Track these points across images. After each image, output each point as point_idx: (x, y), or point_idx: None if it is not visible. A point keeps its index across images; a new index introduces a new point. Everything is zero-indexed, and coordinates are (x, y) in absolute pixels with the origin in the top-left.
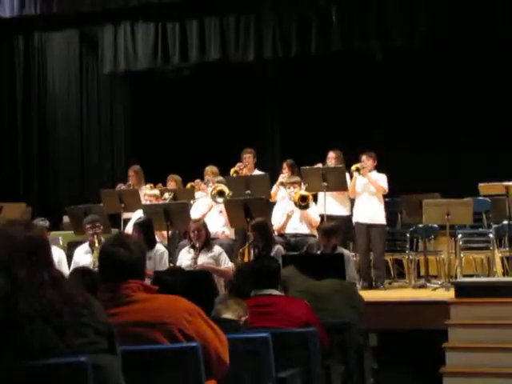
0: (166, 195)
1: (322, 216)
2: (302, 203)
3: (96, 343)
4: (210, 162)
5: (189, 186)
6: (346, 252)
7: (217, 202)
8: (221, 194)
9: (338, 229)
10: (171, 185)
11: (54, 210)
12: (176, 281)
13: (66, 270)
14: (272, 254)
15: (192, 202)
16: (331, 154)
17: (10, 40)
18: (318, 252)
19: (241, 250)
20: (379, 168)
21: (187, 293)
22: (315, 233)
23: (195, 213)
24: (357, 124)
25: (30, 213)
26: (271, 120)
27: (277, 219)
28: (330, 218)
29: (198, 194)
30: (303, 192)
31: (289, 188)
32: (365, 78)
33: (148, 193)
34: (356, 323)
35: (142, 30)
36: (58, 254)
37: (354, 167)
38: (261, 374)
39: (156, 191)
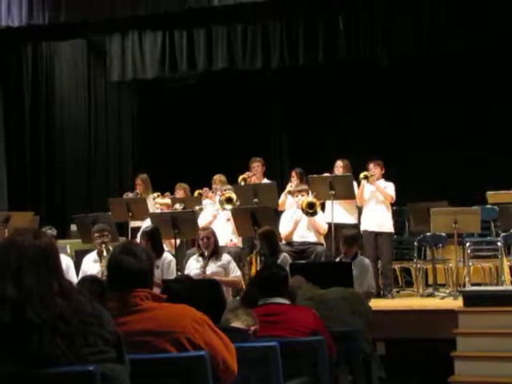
0: (177, 206)
1: (329, 224)
2: (310, 210)
3: (104, 352)
4: (217, 170)
5: (196, 193)
6: (366, 260)
7: (225, 209)
8: (229, 200)
9: (359, 237)
10: (179, 193)
11: (62, 219)
12: (180, 289)
13: (73, 279)
14: (278, 262)
15: (198, 208)
16: (339, 163)
17: (18, 49)
18: (337, 260)
19: (248, 259)
20: (386, 176)
21: (194, 301)
22: (323, 241)
23: (202, 221)
24: (365, 131)
25: (38, 221)
26: (279, 128)
27: (284, 227)
28: (338, 226)
29: (204, 202)
30: (310, 199)
31: (296, 196)
32: (371, 85)
33: (159, 201)
34: (363, 331)
35: (149, 39)
36: (65, 262)
37: (362, 175)
38: (269, 382)
39: (167, 200)
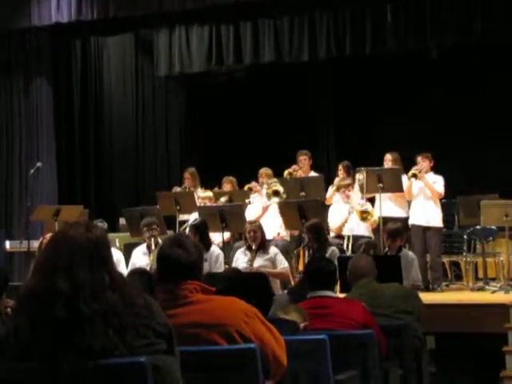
0: (222, 199)
1: (379, 218)
2: (364, 216)
3: (156, 344)
4: (264, 163)
5: (246, 188)
6: (410, 254)
7: (272, 202)
8: (276, 193)
9: (404, 230)
10: (227, 187)
11: (110, 212)
12: (228, 282)
13: (124, 272)
14: (327, 255)
15: (247, 201)
16: (388, 157)
17: (67, 44)
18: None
19: (295, 252)
20: (436, 168)
21: (243, 294)
22: (371, 234)
23: (251, 214)
24: (414, 123)
25: (87, 215)
26: (326, 121)
27: (333, 220)
28: (387, 219)
29: (252, 196)
30: (364, 207)
31: (343, 192)
32: (420, 77)
33: (201, 195)
34: (413, 326)
35: (196, 33)
36: (116, 256)
37: (410, 173)
38: (318, 376)
39: (209, 193)
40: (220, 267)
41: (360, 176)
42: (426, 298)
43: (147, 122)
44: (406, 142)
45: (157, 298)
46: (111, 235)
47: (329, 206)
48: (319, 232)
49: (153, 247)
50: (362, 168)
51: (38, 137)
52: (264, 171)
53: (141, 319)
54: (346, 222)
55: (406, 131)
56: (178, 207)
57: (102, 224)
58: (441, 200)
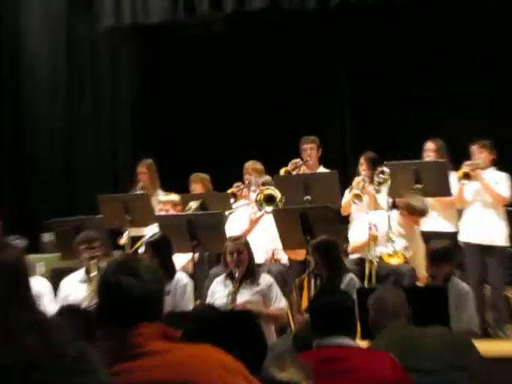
0: (192, 204)
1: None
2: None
3: None
4: (251, 154)
5: (229, 192)
6: (463, 285)
7: (266, 212)
8: (270, 200)
9: (453, 251)
10: (196, 188)
11: (32, 225)
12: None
13: (50, 308)
14: (342, 286)
15: (227, 213)
16: (429, 145)
17: None
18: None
19: (297, 281)
20: (498, 162)
21: (221, 342)
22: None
23: (233, 228)
24: (463, 99)
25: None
26: (339, 94)
27: (353, 236)
28: (430, 235)
29: (236, 204)
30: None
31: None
32: (471, 31)
33: (163, 199)
34: None
35: None
36: (39, 286)
37: (461, 172)
38: None
39: (174, 196)
40: (188, 303)
41: (380, 179)
42: (484, 347)
43: (85, 96)
44: (456, 125)
45: (97, 346)
46: (33, 257)
47: (347, 216)
48: (330, 253)
49: (94, 273)
50: (385, 168)
51: None
52: (251, 165)
53: (72, 376)
54: (371, 239)
55: (456, 109)
56: (129, 217)
57: (20, 242)
58: (506, 208)
